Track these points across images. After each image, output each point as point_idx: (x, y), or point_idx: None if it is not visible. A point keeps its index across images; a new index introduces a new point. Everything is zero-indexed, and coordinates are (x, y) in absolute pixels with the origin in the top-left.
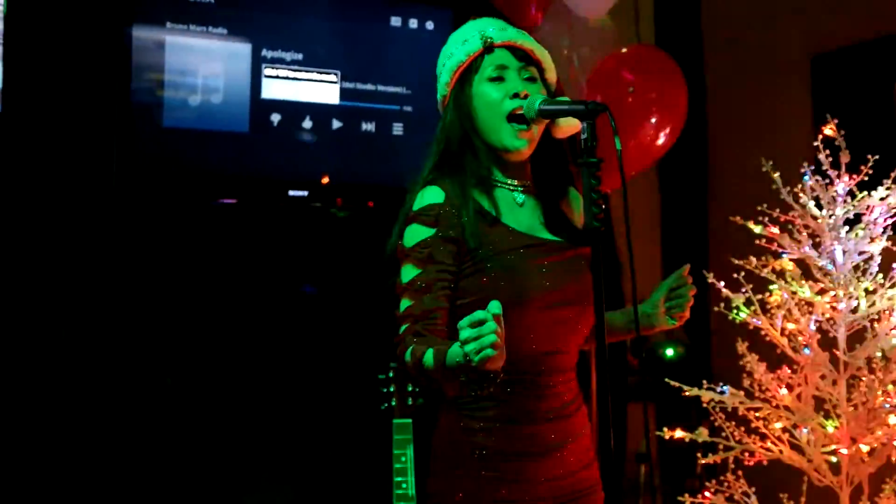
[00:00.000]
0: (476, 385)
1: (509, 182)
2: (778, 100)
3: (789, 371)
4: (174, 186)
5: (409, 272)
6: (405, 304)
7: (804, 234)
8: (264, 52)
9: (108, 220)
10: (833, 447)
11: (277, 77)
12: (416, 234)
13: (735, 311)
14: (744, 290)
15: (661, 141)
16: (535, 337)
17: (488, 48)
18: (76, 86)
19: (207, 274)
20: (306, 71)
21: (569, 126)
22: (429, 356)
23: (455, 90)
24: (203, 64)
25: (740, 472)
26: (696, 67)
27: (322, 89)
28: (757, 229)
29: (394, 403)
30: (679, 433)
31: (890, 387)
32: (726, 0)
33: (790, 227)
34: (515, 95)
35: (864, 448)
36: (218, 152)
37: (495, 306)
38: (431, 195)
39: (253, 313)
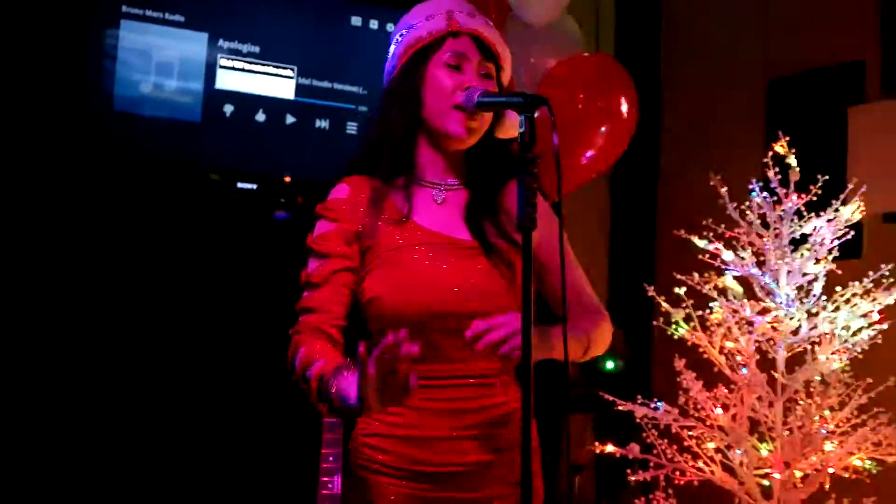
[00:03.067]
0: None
1: (433, 180)
2: (733, 119)
3: (725, 391)
4: (123, 171)
5: (309, 265)
6: (303, 296)
7: (749, 251)
8: (221, 43)
9: (57, 204)
10: (766, 471)
11: (233, 68)
12: (317, 228)
13: (675, 325)
14: (684, 305)
15: (608, 151)
16: (444, 353)
17: (453, 32)
18: (27, 65)
19: (151, 256)
20: (262, 64)
21: (513, 127)
22: (314, 369)
23: (408, 65)
24: (158, 50)
25: (671, 491)
26: (653, 80)
27: (277, 83)
28: (701, 244)
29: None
30: (610, 448)
31: (827, 412)
32: (688, 18)
33: (735, 243)
34: (467, 89)
35: (798, 473)
36: (168, 140)
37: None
38: (338, 190)
39: (191, 307)
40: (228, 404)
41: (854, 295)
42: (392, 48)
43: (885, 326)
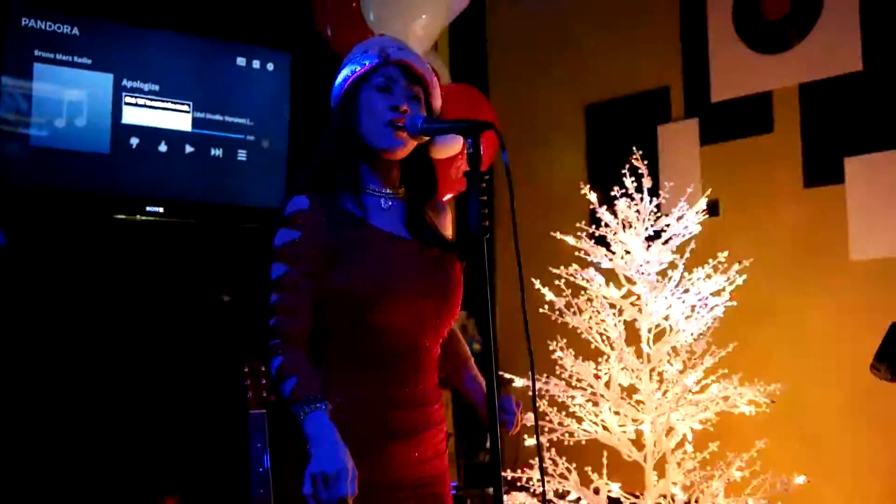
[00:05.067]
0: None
1: (377, 189)
2: (555, 141)
3: (595, 365)
4: (39, 200)
5: (277, 269)
6: (274, 298)
7: (619, 246)
8: (125, 82)
9: None
10: (641, 427)
11: (136, 104)
12: (284, 236)
13: (557, 312)
14: (565, 294)
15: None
16: (397, 328)
17: (384, 62)
18: None
19: (71, 277)
20: (162, 100)
21: (446, 150)
22: (288, 386)
23: (346, 94)
24: (68, 90)
25: (554, 451)
26: None
27: (176, 117)
28: (573, 242)
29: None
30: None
31: (683, 376)
32: (511, 53)
33: (607, 240)
34: (395, 108)
35: (665, 428)
36: (81, 170)
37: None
38: (298, 202)
39: (115, 314)
40: (166, 402)
41: (699, 279)
42: (336, 81)
43: (734, 303)
